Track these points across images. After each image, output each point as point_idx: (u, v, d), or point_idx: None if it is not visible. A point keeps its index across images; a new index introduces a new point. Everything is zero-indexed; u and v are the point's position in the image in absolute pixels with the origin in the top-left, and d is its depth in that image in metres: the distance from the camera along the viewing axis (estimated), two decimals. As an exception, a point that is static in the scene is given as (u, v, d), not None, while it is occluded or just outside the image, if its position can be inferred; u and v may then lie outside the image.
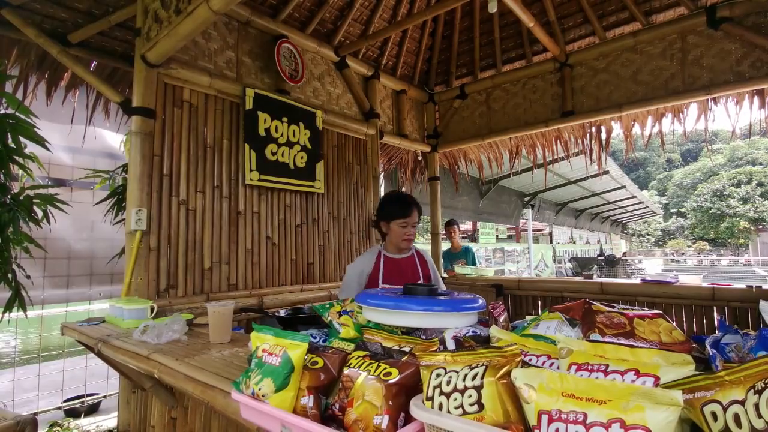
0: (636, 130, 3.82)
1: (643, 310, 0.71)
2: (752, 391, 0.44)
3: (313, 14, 3.15)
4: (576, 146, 4.27)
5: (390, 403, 0.62)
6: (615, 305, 0.75)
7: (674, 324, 0.68)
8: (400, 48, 3.92)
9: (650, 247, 40.97)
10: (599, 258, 13.42)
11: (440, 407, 0.57)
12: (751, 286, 2.53)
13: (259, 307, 2.46)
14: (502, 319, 0.93)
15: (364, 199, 3.46)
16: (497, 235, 13.32)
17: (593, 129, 4.02)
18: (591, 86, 3.47)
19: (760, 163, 39.49)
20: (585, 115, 3.47)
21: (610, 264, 12.59)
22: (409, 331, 1.01)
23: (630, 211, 20.06)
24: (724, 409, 0.45)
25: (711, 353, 0.66)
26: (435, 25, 4.09)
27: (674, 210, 43.56)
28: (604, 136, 4.02)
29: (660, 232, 43.07)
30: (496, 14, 3.73)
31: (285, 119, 2.78)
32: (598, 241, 22.58)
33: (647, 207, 19.77)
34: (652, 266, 22.58)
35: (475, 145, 4.37)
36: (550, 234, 17.23)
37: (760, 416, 0.43)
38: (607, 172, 10.63)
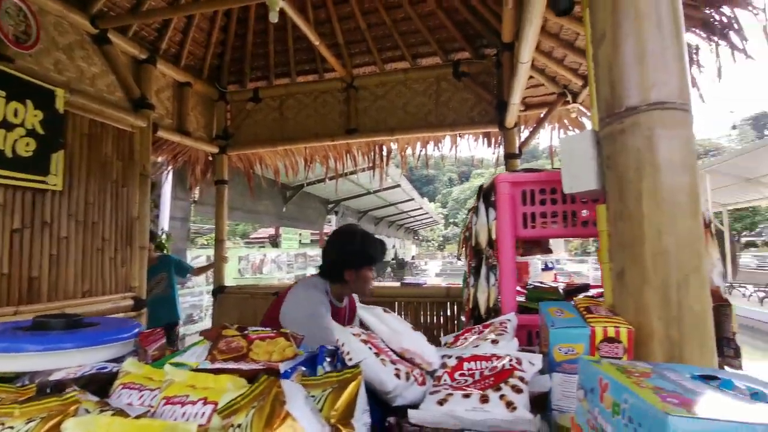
0: (430, 150, 4.48)
1: (270, 331, 0.79)
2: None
3: (59, -33, 2.55)
4: (364, 161, 4.73)
5: None
6: (248, 328, 0.80)
7: (293, 342, 0.78)
8: (185, 36, 3.57)
9: (434, 251, 48.73)
10: (392, 261, 15.17)
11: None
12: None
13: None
14: (154, 348, 0.87)
15: (126, 200, 2.97)
16: (300, 240, 13.59)
17: (377, 147, 4.53)
18: (372, 109, 3.87)
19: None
20: (366, 134, 3.85)
21: (400, 266, 14.39)
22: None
23: (419, 220, 23.57)
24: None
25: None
26: (228, 21, 3.89)
27: (452, 220, 53.03)
28: (385, 153, 4.57)
29: (441, 238, 51.73)
30: (289, 25, 3.80)
31: (1, 93, 2.15)
32: (393, 246, 25.59)
33: (432, 217, 23.54)
34: (434, 267, 26.88)
35: (270, 151, 4.34)
36: (353, 239, 18.52)
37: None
38: (399, 186, 12.16)
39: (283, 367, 0.63)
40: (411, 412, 0.62)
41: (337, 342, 0.76)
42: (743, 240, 24.66)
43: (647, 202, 0.63)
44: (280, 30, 3.93)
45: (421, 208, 17.56)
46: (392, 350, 0.80)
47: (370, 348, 0.73)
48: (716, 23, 2.36)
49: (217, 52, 4.00)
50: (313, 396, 0.46)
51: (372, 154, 4.53)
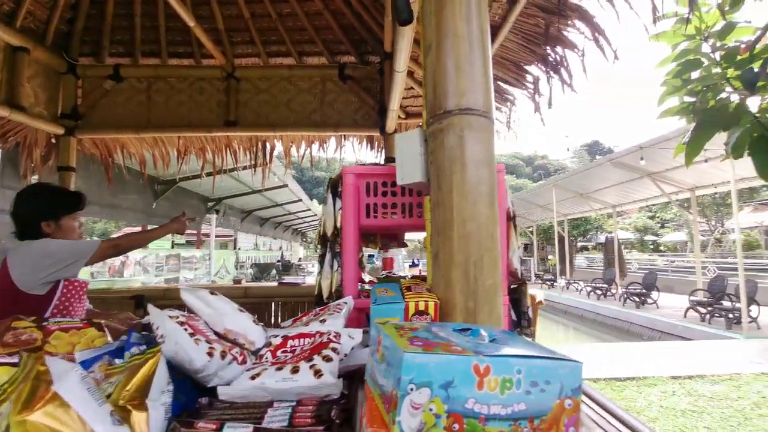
0: (315, 150, 4.42)
1: (77, 322, 0.73)
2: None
3: None
4: (246, 157, 4.51)
5: None
6: (50, 319, 0.73)
7: (107, 333, 0.74)
8: (21, -9, 2.98)
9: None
10: (278, 263, 14.70)
11: None
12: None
13: None
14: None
15: None
16: (174, 240, 12.34)
17: (260, 143, 4.36)
18: (254, 102, 3.71)
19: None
20: (247, 128, 3.68)
21: (286, 269, 14.01)
22: None
23: (307, 222, 23.26)
24: None
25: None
26: (81, -17, 3.36)
27: (341, 222, 53.47)
28: (269, 150, 4.44)
29: (331, 241, 51.77)
30: (160, 0, 3.45)
31: None
32: (280, 248, 24.81)
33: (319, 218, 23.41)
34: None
35: (134, 137, 3.87)
36: (235, 240, 17.53)
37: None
38: (286, 186, 11.84)
39: (80, 357, 0.57)
40: (220, 389, 0.63)
41: (152, 325, 0.72)
42: (579, 244, 29.85)
43: (457, 193, 0.74)
44: (150, 3, 3.55)
45: (309, 210, 17.38)
46: (215, 332, 0.79)
47: (186, 329, 0.70)
48: (552, 60, 2.82)
49: (66, 17, 3.43)
50: (111, 381, 0.43)
51: (255, 150, 4.36)
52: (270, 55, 3.77)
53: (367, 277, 2.14)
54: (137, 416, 0.39)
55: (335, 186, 1.34)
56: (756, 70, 1.70)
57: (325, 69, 3.72)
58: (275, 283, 3.50)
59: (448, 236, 0.75)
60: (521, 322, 1.09)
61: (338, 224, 1.26)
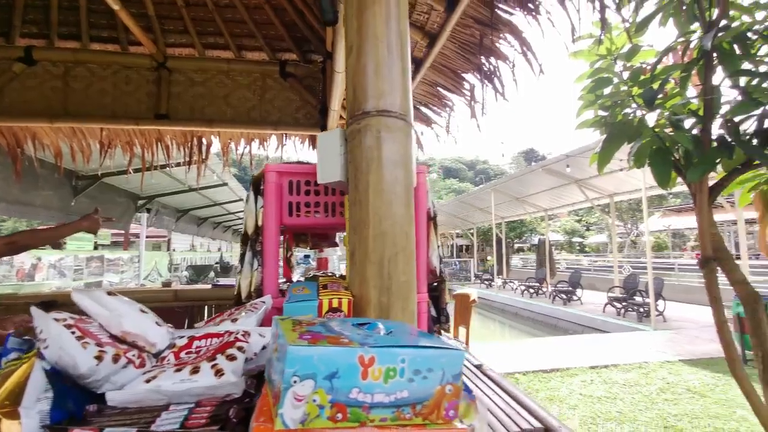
0: (255, 148, 4.26)
1: None
2: None
3: None
4: (180, 153, 4.27)
5: None
6: None
7: None
8: None
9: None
10: (216, 265, 14.04)
11: None
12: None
13: None
14: None
15: None
16: (97, 242, 11.33)
17: (195, 139, 4.15)
18: (188, 96, 3.53)
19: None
20: (180, 122, 3.48)
21: (225, 270, 13.42)
22: None
23: (249, 222, 22.45)
24: None
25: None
26: (-15, -48, 3.01)
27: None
28: (205, 147, 4.24)
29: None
30: (81, -21, 3.17)
31: None
32: (219, 249, 23.71)
33: (263, 219, 22.68)
34: (263, 271, 25.89)
35: (48, 127, 3.52)
36: (168, 241, 16.49)
37: None
38: (225, 184, 11.34)
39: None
40: (108, 394, 0.60)
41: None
42: (515, 246, 31.64)
43: (373, 192, 0.76)
44: (68, -18, 3.25)
45: (251, 210, 16.77)
46: (111, 334, 0.74)
47: (74, 332, 0.66)
48: (486, 70, 2.96)
49: (-34, -10, 3.05)
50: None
51: (189, 146, 4.15)
52: (206, 47, 3.60)
53: (296, 277, 2.11)
54: (7, 424, 0.36)
55: (257, 184, 1.32)
56: (655, 89, 1.90)
57: (265, 65, 3.62)
58: (209, 286, 3.35)
59: (363, 234, 0.77)
60: (440, 318, 1.14)
61: (260, 223, 1.23)
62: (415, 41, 3.14)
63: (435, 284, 1.22)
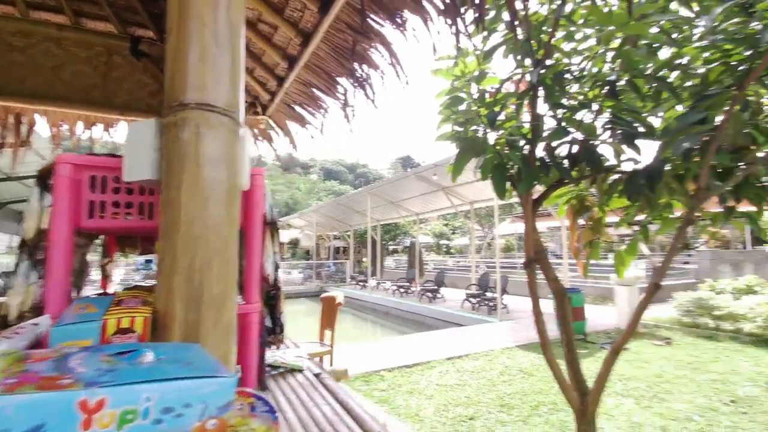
0: (98, 133, 3.58)
1: None
2: None
3: None
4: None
5: None
6: None
7: None
8: None
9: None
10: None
11: None
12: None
13: None
14: None
15: None
16: None
17: (11, 117, 3.37)
18: (2, 62, 2.84)
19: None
20: (-14, 94, 2.78)
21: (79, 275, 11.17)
22: None
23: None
24: None
25: None
26: None
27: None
28: (26, 126, 3.47)
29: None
30: None
31: None
32: (52, 250, 19.72)
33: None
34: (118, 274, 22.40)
35: None
36: (-27, 240, 13.09)
37: None
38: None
39: None
40: None
41: None
42: (390, 248, 33.33)
43: (186, 191, 0.69)
44: None
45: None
46: None
47: None
48: (359, 76, 3.02)
49: None
50: None
51: (3, 124, 3.36)
52: (30, 6, 2.95)
53: (112, 289, 1.81)
54: None
55: (45, 179, 1.07)
56: (497, 111, 2.17)
57: (111, 39, 3.12)
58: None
59: (172, 239, 0.69)
60: (275, 329, 1.10)
61: (44, 225, 1.01)
62: (289, 38, 3.05)
63: (272, 293, 1.16)
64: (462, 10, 2.14)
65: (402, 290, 15.07)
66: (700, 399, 4.32)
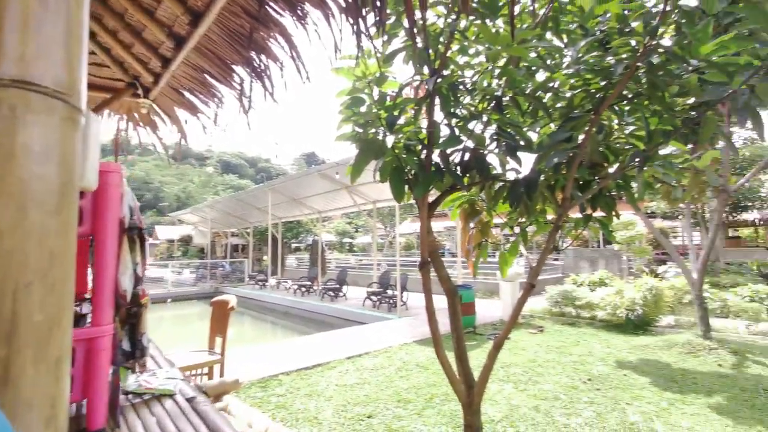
0: None
1: None
2: None
3: None
4: None
5: None
6: None
7: None
8: None
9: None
10: None
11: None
12: None
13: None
14: None
15: None
16: None
17: None
18: None
19: None
20: None
21: None
22: None
23: None
24: None
25: None
26: None
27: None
28: None
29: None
30: None
31: None
32: None
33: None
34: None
35: None
36: None
37: None
38: None
39: None
40: None
41: None
42: (293, 246, 32.49)
43: None
44: None
45: None
46: None
47: None
48: (257, 67, 2.84)
49: None
50: None
51: None
52: None
53: None
54: None
55: None
56: (396, 115, 2.20)
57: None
58: None
59: None
60: (135, 352, 0.96)
61: None
62: (175, 15, 2.76)
63: (133, 310, 1.00)
64: (364, 11, 2.13)
65: (303, 289, 14.76)
66: (565, 379, 4.97)
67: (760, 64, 1.32)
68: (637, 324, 7.66)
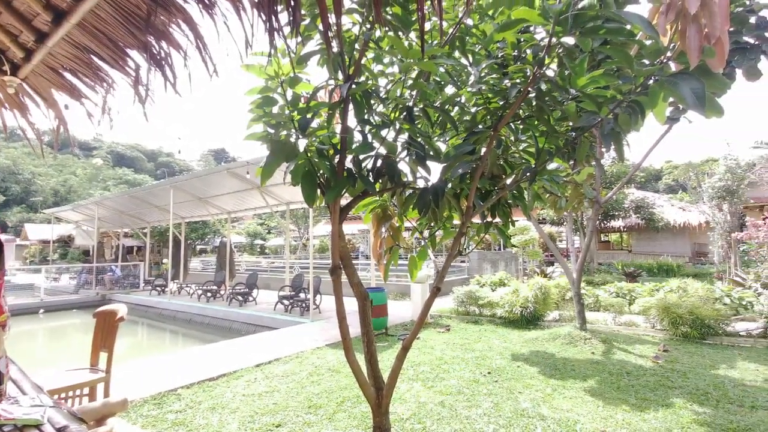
0: None
1: None
2: None
3: None
4: None
5: None
6: None
7: None
8: None
9: None
10: None
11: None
12: None
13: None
14: None
15: None
16: None
17: None
18: None
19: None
20: None
21: None
22: None
23: None
24: None
25: None
26: None
27: None
28: None
29: None
30: None
31: None
32: None
33: None
34: None
35: None
36: None
37: None
38: None
39: None
40: None
41: None
42: (198, 248, 30.20)
43: None
44: None
45: None
46: None
47: None
48: (156, 53, 2.60)
49: None
50: None
51: None
52: None
53: None
54: None
55: None
56: (308, 118, 2.17)
57: None
58: None
59: None
60: None
61: None
62: (53, -16, 2.41)
63: None
64: (278, 8, 2.07)
65: (209, 294, 13.79)
66: (468, 374, 5.33)
67: (622, 97, 1.56)
68: (529, 320, 8.50)
